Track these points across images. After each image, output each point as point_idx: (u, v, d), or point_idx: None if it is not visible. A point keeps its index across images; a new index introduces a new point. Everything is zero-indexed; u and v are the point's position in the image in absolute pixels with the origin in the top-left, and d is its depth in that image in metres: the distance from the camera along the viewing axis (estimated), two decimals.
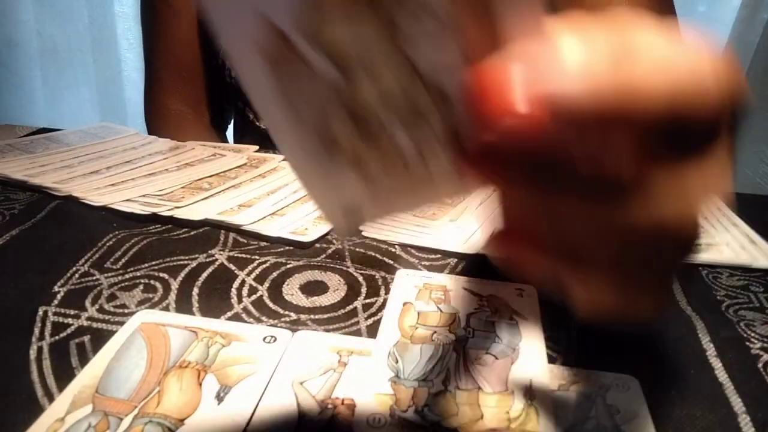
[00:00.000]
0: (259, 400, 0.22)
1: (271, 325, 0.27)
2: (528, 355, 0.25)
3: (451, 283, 0.31)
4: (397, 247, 0.35)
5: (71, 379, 0.23)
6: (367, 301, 0.30)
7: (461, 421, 0.21)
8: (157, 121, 0.68)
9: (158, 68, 0.66)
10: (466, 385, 0.23)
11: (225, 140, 0.72)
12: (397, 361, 0.24)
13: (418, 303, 0.29)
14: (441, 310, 0.28)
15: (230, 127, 0.74)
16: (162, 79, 0.66)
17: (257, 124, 0.59)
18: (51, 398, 0.22)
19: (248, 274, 0.32)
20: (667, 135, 0.13)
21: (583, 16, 0.13)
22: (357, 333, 0.27)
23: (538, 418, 0.22)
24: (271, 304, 0.29)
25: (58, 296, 0.29)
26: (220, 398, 0.22)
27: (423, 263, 0.34)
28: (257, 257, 0.33)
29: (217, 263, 0.33)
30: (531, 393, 0.23)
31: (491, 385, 0.23)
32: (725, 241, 0.36)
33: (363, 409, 0.22)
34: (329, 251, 0.35)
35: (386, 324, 0.27)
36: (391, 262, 0.34)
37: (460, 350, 0.25)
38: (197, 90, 0.66)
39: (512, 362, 0.25)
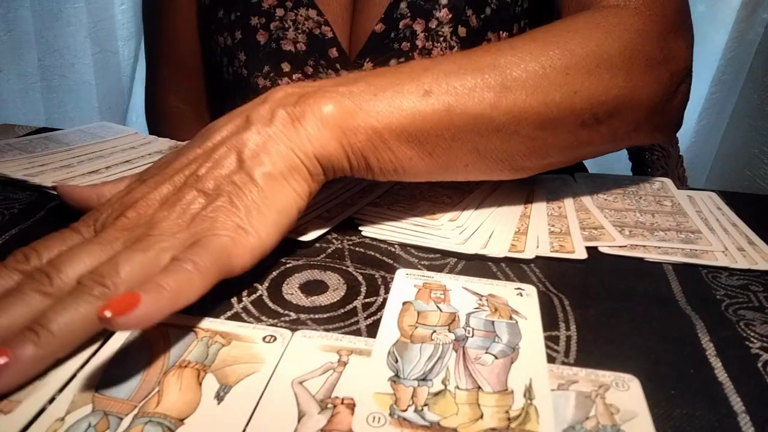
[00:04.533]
0: (259, 399, 0.22)
1: (271, 325, 0.27)
2: (527, 355, 0.25)
3: (450, 282, 0.31)
4: (396, 246, 0.35)
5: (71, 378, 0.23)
6: (367, 300, 0.30)
7: (461, 421, 0.21)
8: (157, 118, 0.68)
9: (160, 65, 0.66)
10: (465, 385, 0.23)
11: None
12: (396, 361, 0.24)
13: (418, 302, 0.29)
14: (440, 310, 0.28)
15: None
16: (163, 76, 0.66)
17: None
18: (51, 398, 0.22)
19: (248, 273, 0.32)
20: None
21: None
22: (356, 332, 0.27)
23: (538, 417, 0.22)
24: (270, 304, 0.29)
25: None
26: (220, 398, 0.22)
27: (423, 263, 0.34)
28: None
29: None
30: (530, 392, 0.23)
31: (491, 385, 0.23)
32: (722, 248, 0.36)
33: (363, 408, 0.22)
34: (329, 251, 0.35)
35: (386, 323, 0.27)
36: (391, 261, 0.34)
37: (459, 350, 0.25)
38: (197, 87, 0.67)
39: (512, 362, 0.25)
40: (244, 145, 0.31)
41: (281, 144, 0.31)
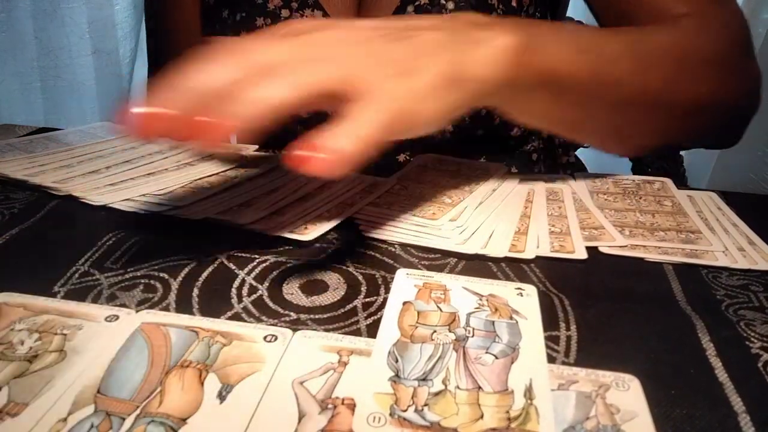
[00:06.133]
0: (260, 399, 0.22)
1: (271, 325, 0.27)
2: (528, 355, 0.25)
3: (450, 282, 0.31)
4: (396, 246, 0.36)
5: None
6: (367, 300, 0.30)
7: (461, 421, 0.22)
8: None
9: (161, 54, 0.67)
10: (466, 385, 0.23)
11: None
12: (397, 361, 0.24)
13: (418, 302, 0.29)
14: (441, 310, 0.28)
15: None
16: (165, 65, 0.67)
17: None
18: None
19: (248, 274, 0.32)
20: None
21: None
22: (357, 332, 0.27)
23: (538, 417, 0.22)
24: (271, 304, 0.29)
25: (59, 296, 0.29)
26: (222, 397, 0.22)
27: (423, 263, 0.34)
28: (257, 256, 0.33)
29: (217, 263, 0.33)
30: (531, 393, 0.23)
31: (491, 385, 0.23)
32: (722, 248, 0.36)
33: (363, 408, 0.22)
34: (329, 251, 0.35)
35: (386, 323, 0.27)
36: (391, 261, 0.34)
37: (459, 350, 0.25)
38: None
39: (512, 362, 0.25)
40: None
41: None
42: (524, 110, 0.38)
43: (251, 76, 0.27)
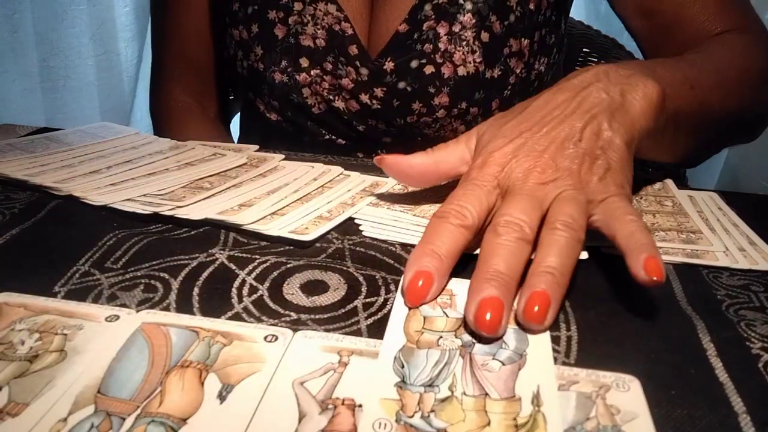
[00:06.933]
0: (261, 399, 0.22)
1: (272, 325, 0.27)
2: (535, 361, 0.25)
3: (457, 287, 0.30)
4: (397, 246, 0.36)
5: None
6: (368, 300, 0.30)
7: (468, 428, 0.21)
8: (161, 111, 0.68)
9: (165, 59, 0.67)
10: (472, 391, 0.23)
11: (229, 133, 0.72)
12: (403, 366, 0.24)
13: (424, 307, 0.29)
14: (447, 315, 0.28)
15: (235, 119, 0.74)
16: (168, 69, 0.66)
17: (267, 115, 0.59)
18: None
19: (248, 274, 0.32)
20: None
21: None
22: (357, 332, 0.27)
23: (546, 425, 0.22)
24: (271, 304, 0.29)
25: (59, 296, 0.29)
26: (222, 397, 0.22)
27: None
28: (257, 257, 0.33)
29: (218, 263, 0.33)
30: (538, 399, 0.23)
31: (498, 392, 0.23)
32: (723, 249, 0.35)
33: (369, 414, 0.22)
34: (329, 251, 0.35)
35: (392, 329, 0.27)
36: (391, 261, 0.34)
37: (466, 356, 0.25)
38: (204, 82, 0.67)
39: (519, 368, 0.24)
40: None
41: None
42: (651, 148, 0.40)
43: (528, 242, 0.29)
